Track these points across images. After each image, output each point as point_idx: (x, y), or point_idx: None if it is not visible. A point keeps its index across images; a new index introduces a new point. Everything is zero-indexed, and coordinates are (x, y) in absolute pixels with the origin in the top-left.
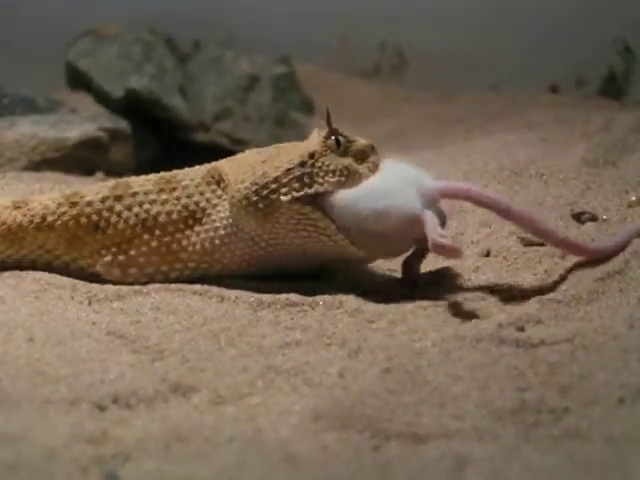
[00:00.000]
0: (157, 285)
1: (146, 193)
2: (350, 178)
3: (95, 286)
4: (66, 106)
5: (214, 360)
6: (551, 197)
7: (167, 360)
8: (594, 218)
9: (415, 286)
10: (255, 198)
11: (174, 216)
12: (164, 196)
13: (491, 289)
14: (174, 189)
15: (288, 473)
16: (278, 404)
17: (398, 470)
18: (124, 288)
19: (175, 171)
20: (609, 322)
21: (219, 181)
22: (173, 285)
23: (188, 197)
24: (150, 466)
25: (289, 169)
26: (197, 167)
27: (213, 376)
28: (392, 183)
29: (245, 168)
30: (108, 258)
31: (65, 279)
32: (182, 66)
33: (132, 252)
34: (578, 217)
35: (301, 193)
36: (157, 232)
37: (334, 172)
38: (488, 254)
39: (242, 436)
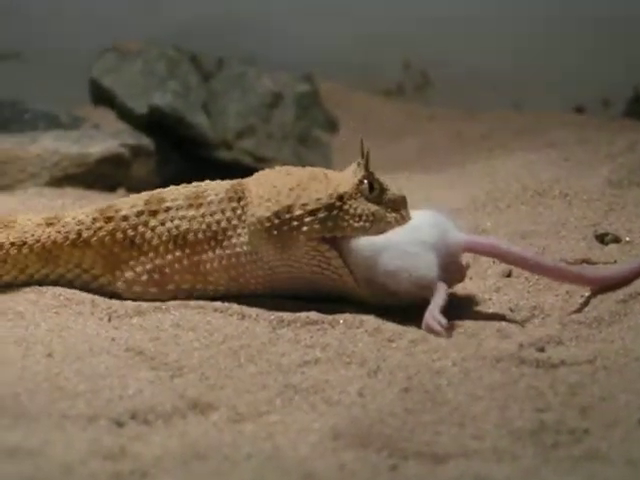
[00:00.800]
0: (177, 302)
1: (177, 209)
2: (375, 225)
3: (115, 302)
4: (89, 122)
5: (233, 377)
6: (574, 218)
7: (186, 377)
8: (617, 239)
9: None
10: (275, 231)
11: (200, 235)
12: (192, 212)
13: (512, 309)
14: (200, 205)
15: None
16: (297, 422)
17: None
18: (144, 304)
19: (206, 183)
20: (631, 344)
21: (240, 198)
22: (193, 302)
23: (211, 215)
24: None
25: (315, 210)
26: (225, 181)
27: (232, 393)
28: (414, 243)
29: (270, 192)
30: (145, 277)
31: (85, 295)
32: (206, 83)
33: (167, 270)
34: (601, 238)
35: (320, 235)
36: (187, 250)
37: (360, 217)
38: (510, 274)
39: (260, 454)
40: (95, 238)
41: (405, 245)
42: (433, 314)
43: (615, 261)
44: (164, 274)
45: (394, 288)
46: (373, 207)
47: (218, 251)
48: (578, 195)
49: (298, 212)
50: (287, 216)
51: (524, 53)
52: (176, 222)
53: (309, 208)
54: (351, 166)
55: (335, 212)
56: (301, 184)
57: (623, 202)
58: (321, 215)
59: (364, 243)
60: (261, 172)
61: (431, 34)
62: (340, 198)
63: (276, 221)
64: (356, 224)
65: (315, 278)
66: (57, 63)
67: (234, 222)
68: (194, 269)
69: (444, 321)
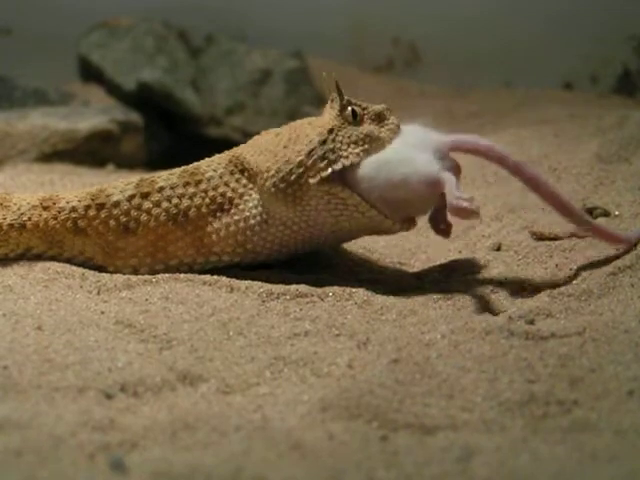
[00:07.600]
0: (166, 275)
1: (172, 187)
2: (374, 144)
3: (104, 275)
4: (78, 98)
5: (222, 350)
6: (564, 192)
7: (175, 349)
8: (606, 213)
9: (449, 234)
10: (283, 185)
11: (203, 209)
12: (191, 189)
13: (502, 282)
14: (200, 182)
15: (295, 461)
16: (286, 394)
17: (405, 460)
18: (133, 278)
19: (196, 163)
20: (620, 316)
21: (243, 170)
22: (182, 275)
23: (214, 189)
24: (156, 454)
25: (311, 150)
26: (217, 156)
27: (221, 366)
28: (407, 149)
29: (268, 155)
30: (148, 260)
31: (74, 268)
32: (194, 59)
33: (169, 248)
34: (590, 212)
35: (329, 171)
36: (189, 227)
37: (356, 142)
38: (499, 248)
39: (249, 425)
40: (90, 227)
41: (398, 154)
42: (454, 195)
43: None
44: (167, 253)
45: (408, 197)
46: (365, 129)
47: (225, 219)
48: (567, 170)
49: (298, 159)
50: (289, 167)
51: (514, 30)
52: (174, 200)
53: (306, 150)
54: (327, 106)
55: (331, 145)
56: (291, 138)
57: (612, 177)
58: (320, 152)
59: (364, 169)
60: (253, 139)
61: (421, 10)
62: (330, 132)
63: (281, 175)
64: (356, 150)
65: (337, 222)
66: (46, 40)
67: (240, 190)
68: (197, 243)
69: (467, 196)
